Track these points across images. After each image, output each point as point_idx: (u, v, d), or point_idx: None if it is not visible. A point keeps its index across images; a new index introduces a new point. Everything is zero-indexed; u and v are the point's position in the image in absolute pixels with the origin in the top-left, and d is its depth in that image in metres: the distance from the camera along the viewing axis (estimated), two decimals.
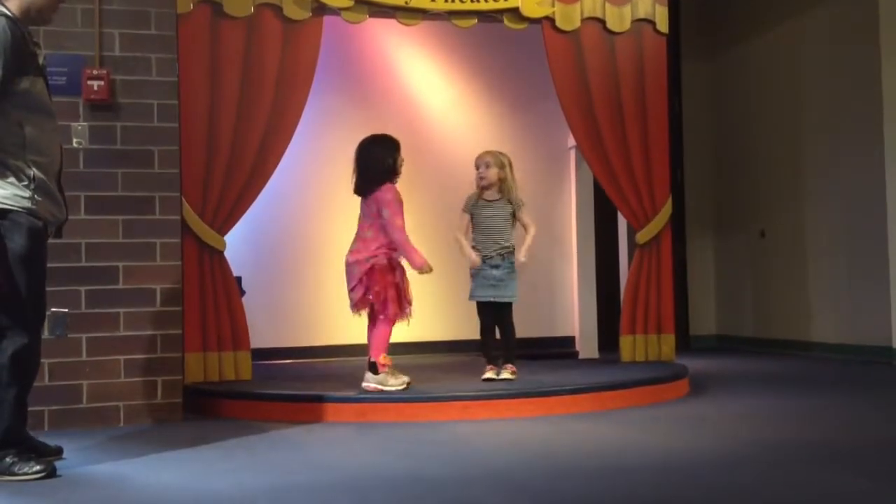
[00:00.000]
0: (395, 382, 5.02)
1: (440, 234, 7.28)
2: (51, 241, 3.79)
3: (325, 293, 7.04)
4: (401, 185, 7.24)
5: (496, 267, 5.34)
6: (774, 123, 8.65)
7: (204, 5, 5.55)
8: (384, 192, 5.03)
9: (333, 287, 7.07)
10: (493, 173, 5.48)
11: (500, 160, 5.52)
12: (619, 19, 6.32)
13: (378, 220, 5.02)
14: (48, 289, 3.76)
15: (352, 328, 7.09)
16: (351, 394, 5.00)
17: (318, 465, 3.84)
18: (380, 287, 5.03)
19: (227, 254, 5.62)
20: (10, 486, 3.47)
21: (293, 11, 5.71)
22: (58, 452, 3.89)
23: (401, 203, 5.05)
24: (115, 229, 4.81)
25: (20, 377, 3.60)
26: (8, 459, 3.57)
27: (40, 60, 3.73)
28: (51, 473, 3.58)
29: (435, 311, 7.31)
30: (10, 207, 3.55)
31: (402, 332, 7.18)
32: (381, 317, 5.06)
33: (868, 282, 7.49)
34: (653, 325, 6.40)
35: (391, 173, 5.07)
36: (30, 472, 3.55)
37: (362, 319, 7.07)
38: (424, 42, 7.35)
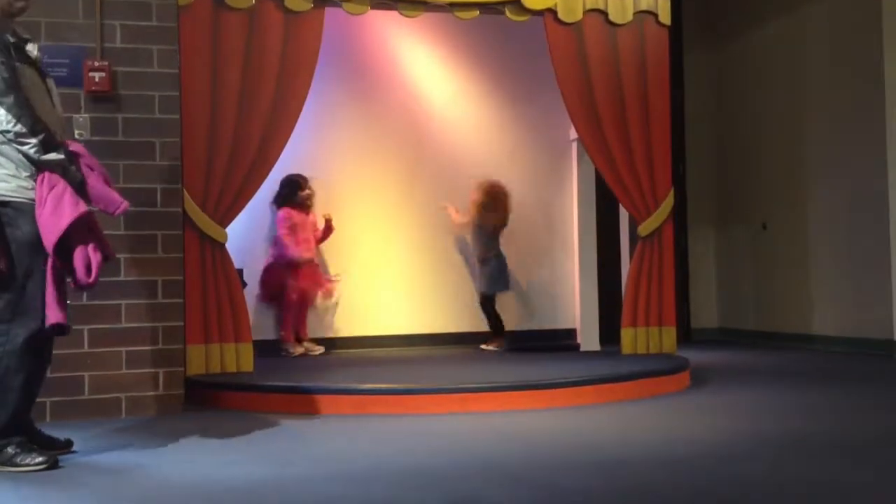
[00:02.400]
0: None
1: (440, 228, 7.31)
2: None
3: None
4: (402, 176, 7.33)
5: None
6: (777, 115, 8.63)
7: None
8: None
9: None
10: None
11: None
12: (621, 11, 6.30)
13: None
14: None
15: (353, 321, 7.16)
16: (352, 386, 5.00)
17: (319, 456, 3.85)
18: None
19: (228, 246, 5.62)
20: (13, 476, 3.49)
21: (294, 3, 5.69)
22: (67, 446, 3.90)
23: None
24: (116, 221, 4.79)
25: (32, 363, 3.61)
26: (10, 450, 3.58)
27: (34, 53, 3.76)
28: (53, 465, 3.59)
29: (435, 304, 7.32)
30: (13, 199, 3.57)
31: (403, 325, 7.25)
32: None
33: (870, 275, 7.49)
34: (654, 317, 6.40)
35: None
36: (32, 463, 3.56)
37: (363, 313, 7.16)
38: (426, 34, 7.34)
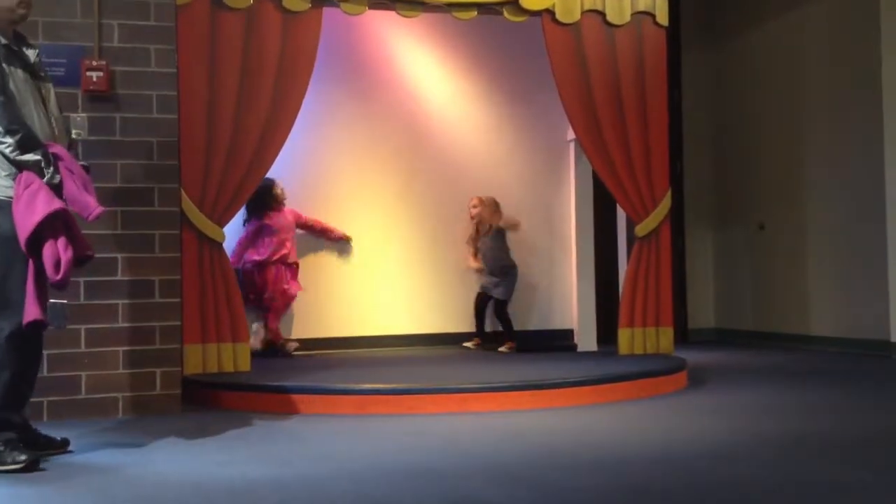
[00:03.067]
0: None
1: (440, 227, 7.30)
2: None
3: (323, 285, 7.04)
4: (400, 176, 7.31)
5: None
6: (774, 115, 8.63)
7: None
8: None
9: (332, 278, 7.11)
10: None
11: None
12: (619, 11, 6.30)
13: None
14: None
15: (353, 321, 7.14)
16: (352, 386, 5.00)
17: (317, 456, 3.84)
18: None
19: (226, 245, 5.62)
20: (10, 476, 3.47)
21: (292, 3, 5.69)
22: (64, 445, 3.89)
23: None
24: (113, 220, 4.80)
25: (17, 360, 3.61)
26: None
27: (32, 58, 3.79)
28: (32, 464, 3.56)
29: (434, 304, 7.31)
30: None
31: (403, 325, 7.23)
32: None
33: (867, 275, 7.49)
34: (651, 317, 6.40)
35: None
36: (13, 462, 3.54)
37: (363, 313, 7.14)
38: (424, 34, 7.33)
